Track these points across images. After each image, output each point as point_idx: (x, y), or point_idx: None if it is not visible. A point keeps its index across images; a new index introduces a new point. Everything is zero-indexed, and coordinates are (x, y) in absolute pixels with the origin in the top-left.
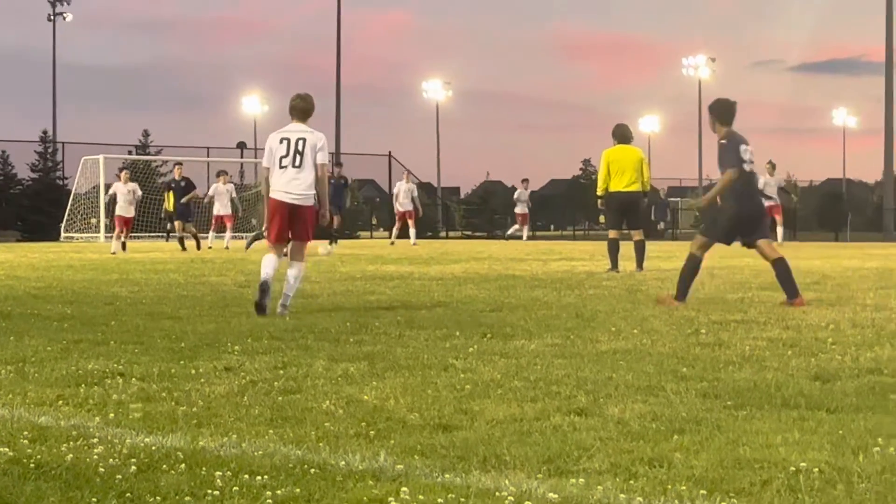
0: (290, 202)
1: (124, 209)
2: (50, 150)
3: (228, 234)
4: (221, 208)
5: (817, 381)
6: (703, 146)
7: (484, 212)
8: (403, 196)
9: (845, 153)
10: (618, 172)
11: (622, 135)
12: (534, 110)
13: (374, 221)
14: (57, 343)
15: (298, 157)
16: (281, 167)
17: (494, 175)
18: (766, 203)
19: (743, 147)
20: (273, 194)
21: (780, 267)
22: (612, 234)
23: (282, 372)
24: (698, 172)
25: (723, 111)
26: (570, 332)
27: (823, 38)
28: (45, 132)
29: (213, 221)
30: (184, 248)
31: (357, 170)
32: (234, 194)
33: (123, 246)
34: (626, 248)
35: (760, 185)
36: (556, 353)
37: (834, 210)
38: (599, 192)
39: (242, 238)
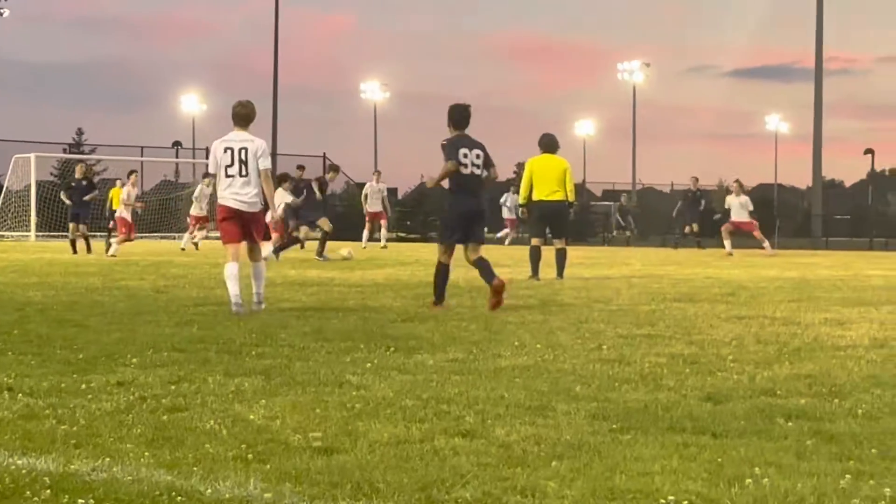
0: (238, 208)
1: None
2: None
3: (199, 234)
4: (200, 210)
5: (709, 402)
6: (636, 150)
7: (418, 214)
8: (373, 197)
9: (777, 159)
10: (541, 181)
11: (547, 144)
12: (472, 114)
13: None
14: None
15: (243, 167)
16: (227, 176)
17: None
18: (734, 220)
19: (464, 151)
20: (222, 201)
21: (482, 264)
22: (534, 241)
23: (174, 388)
24: (632, 176)
25: (454, 115)
26: (475, 345)
27: (757, 44)
28: None
29: (192, 223)
30: (75, 251)
31: (292, 170)
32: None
33: (107, 249)
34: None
35: (727, 204)
36: (455, 369)
37: (764, 216)
38: (521, 200)
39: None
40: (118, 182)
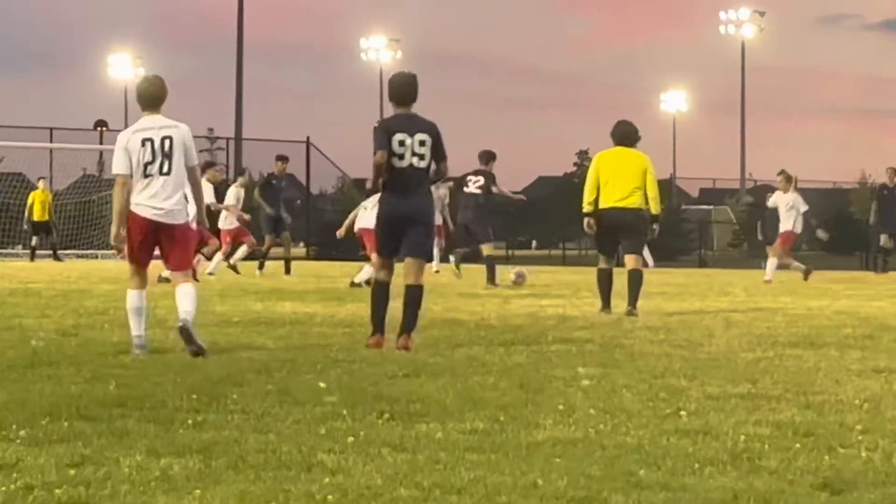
0: (157, 219)
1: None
2: None
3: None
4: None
5: (825, 492)
6: (745, 133)
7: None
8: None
9: None
10: (611, 183)
11: (622, 134)
12: (513, 79)
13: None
14: None
15: (167, 162)
16: (146, 175)
17: (461, 166)
18: (784, 229)
19: (400, 137)
20: (135, 208)
21: (413, 293)
22: (601, 263)
23: (74, 473)
24: (740, 169)
25: (390, 88)
26: (504, 410)
27: None
28: None
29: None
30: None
31: (265, 161)
32: (241, 196)
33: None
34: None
35: (770, 203)
36: (472, 445)
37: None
38: (585, 207)
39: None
40: (41, 183)
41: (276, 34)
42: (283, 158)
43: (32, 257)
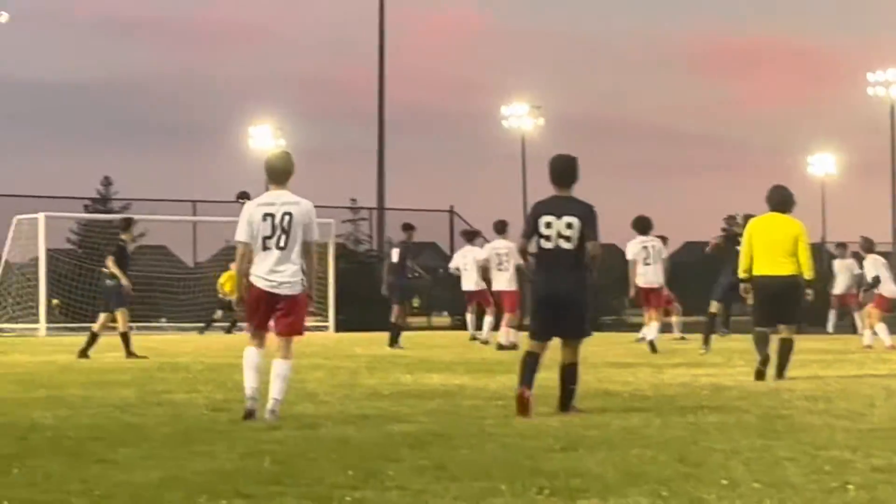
0: (272, 291)
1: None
2: None
3: (488, 321)
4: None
5: None
6: None
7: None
8: (474, 268)
9: None
10: (763, 250)
11: (779, 201)
12: (657, 144)
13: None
14: None
15: (284, 237)
16: (264, 248)
17: (614, 234)
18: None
19: (547, 219)
20: (253, 278)
21: (569, 372)
22: (757, 330)
23: None
24: (892, 232)
25: (550, 171)
26: (665, 485)
27: None
28: None
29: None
30: (86, 354)
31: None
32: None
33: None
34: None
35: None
36: None
37: None
38: (741, 273)
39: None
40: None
41: (417, 102)
42: (409, 227)
43: (205, 330)
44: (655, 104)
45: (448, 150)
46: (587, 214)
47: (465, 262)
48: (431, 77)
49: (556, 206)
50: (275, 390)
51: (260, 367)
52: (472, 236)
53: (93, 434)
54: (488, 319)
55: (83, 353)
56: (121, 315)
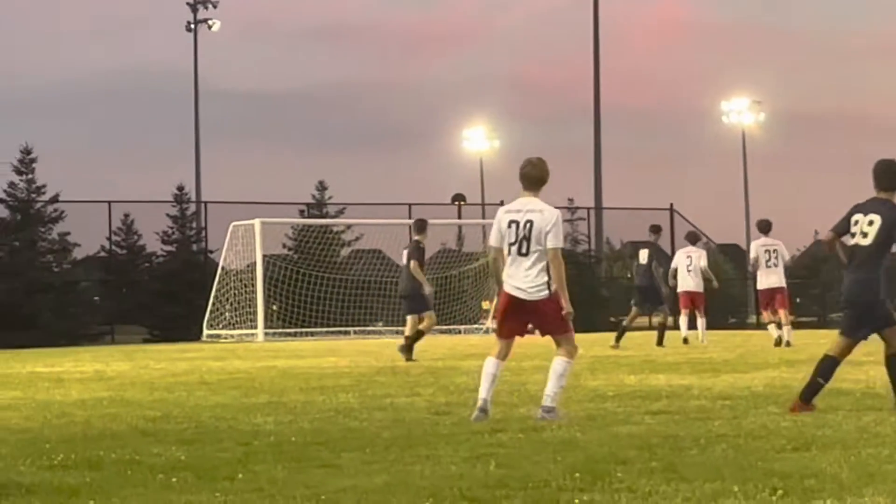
0: (518, 297)
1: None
2: (189, 213)
3: (702, 322)
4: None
5: None
6: None
7: (811, 286)
8: (684, 269)
9: None
10: None
11: None
12: (882, 137)
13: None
14: None
15: (525, 244)
16: (511, 254)
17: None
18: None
19: (856, 217)
20: (504, 284)
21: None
22: None
23: None
24: None
25: (873, 171)
26: None
27: None
28: (181, 188)
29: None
30: (409, 356)
31: (626, 229)
32: (703, 261)
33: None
34: None
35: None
36: None
37: None
38: None
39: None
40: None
41: (632, 99)
42: (656, 229)
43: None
44: (884, 97)
45: (666, 146)
46: (888, 215)
47: (689, 264)
48: (647, 74)
49: (866, 206)
50: (549, 385)
51: (497, 378)
52: (695, 238)
53: (315, 439)
54: (701, 321)
55: (407, 351)
56: (427, 319)
